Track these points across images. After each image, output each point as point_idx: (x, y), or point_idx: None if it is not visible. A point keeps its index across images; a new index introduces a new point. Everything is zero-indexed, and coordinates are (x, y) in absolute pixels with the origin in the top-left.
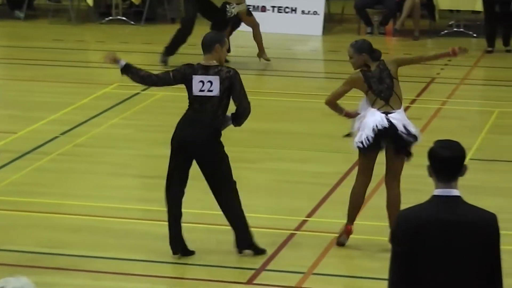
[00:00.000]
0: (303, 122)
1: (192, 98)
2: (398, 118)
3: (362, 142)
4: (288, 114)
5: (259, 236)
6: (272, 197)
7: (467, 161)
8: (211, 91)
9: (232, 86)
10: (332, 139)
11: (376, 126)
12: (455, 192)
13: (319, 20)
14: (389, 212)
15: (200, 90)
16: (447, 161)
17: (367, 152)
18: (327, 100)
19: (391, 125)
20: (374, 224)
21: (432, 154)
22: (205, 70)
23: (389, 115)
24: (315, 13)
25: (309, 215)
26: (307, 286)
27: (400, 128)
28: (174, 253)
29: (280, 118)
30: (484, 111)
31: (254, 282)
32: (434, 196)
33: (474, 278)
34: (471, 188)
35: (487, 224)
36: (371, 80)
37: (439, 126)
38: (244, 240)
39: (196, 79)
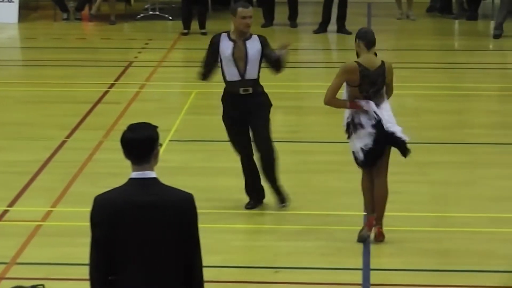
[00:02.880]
0: None
1: None
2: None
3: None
4: None
5: None
6: None
7: (166, 143)
8: None
9: None
10: (29, 127)
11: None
12: (150, 174)
13: (14, 8)
14: (378, 204)
15: None
16: (132, 143)
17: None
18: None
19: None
20: (76, 210)
21: (121, 138)
22: None
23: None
24: (9, 0)
25: (10, 205)
26: (10, 276)
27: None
28: None
29: None
30: (182, 92)
31: None
32: (131, 179)
33: (173, 258)
34: (171, 169)
35: (183, 204)
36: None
37: (139, 110)
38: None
39: None
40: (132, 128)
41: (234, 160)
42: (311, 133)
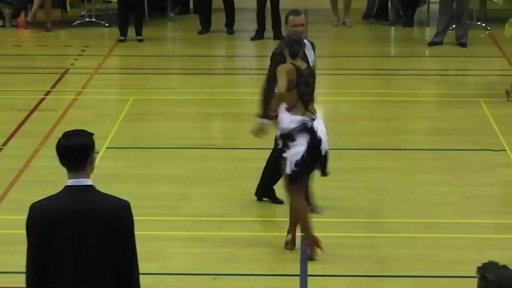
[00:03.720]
0: None
1: None
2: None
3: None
4: None
5: None
6: None
7: (103, 150)
8: None
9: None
10: None
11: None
12: (86, 181)
13: None
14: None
15: None
16: (67, 150)
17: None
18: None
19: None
20: (13, 217)
21: (56, 145)
22: None
23: (318, 132)
24: None
25: None
26: None
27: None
28: None
29: None
30: (119, 99)
31: None
32: (66, 187)
33: (109, 265)
34: (108, 176)
35: (119, 212)
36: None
37: (76, 117)
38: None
39: None
40: (67, 135)
41: (171, 167)
42: (248, 139)
